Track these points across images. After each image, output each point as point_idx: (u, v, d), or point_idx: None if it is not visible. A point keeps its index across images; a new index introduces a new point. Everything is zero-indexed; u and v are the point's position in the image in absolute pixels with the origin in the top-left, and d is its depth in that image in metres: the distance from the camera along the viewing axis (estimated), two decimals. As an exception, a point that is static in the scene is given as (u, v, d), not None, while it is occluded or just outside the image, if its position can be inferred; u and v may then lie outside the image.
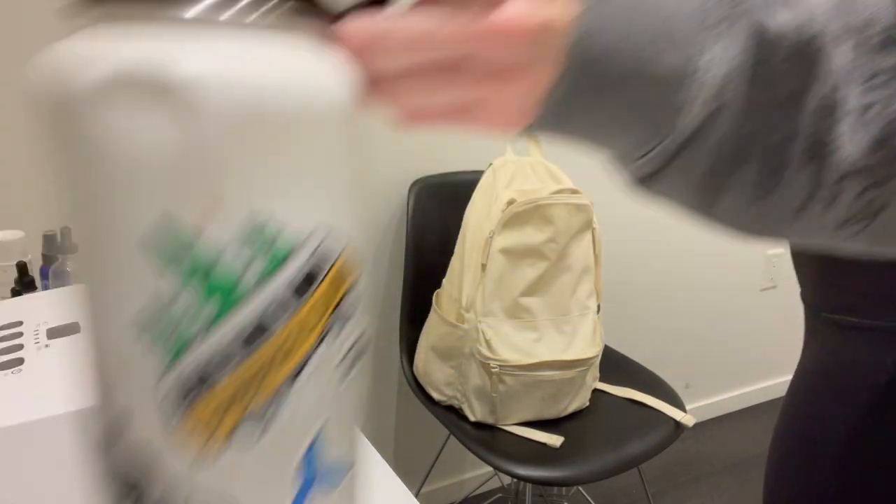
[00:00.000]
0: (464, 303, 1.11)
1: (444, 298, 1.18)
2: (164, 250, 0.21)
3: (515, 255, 1.08)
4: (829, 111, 0.27)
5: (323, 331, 0.24)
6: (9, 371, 0.54)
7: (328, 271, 0.24)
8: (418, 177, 1.36)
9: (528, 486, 1.24)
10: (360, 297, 0.26)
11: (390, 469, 0.71)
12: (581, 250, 1.13)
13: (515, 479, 1.35)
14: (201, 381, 0.22)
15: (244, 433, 0.23)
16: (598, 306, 1.18)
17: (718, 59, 0.26)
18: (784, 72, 0.26)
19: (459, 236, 1.17)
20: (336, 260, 0.24)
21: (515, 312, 1.10)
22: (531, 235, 1.08)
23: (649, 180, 0.31)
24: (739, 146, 0.27)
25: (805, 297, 0.63)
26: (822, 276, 0.59)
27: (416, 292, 1.33)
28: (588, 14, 0.26)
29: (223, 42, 0.21)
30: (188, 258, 0.21)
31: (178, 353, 0.22)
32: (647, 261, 1.75)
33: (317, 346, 0.24)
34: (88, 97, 0.20)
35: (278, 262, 0.22)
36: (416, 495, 1.57)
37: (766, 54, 0.26)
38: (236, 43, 0.21)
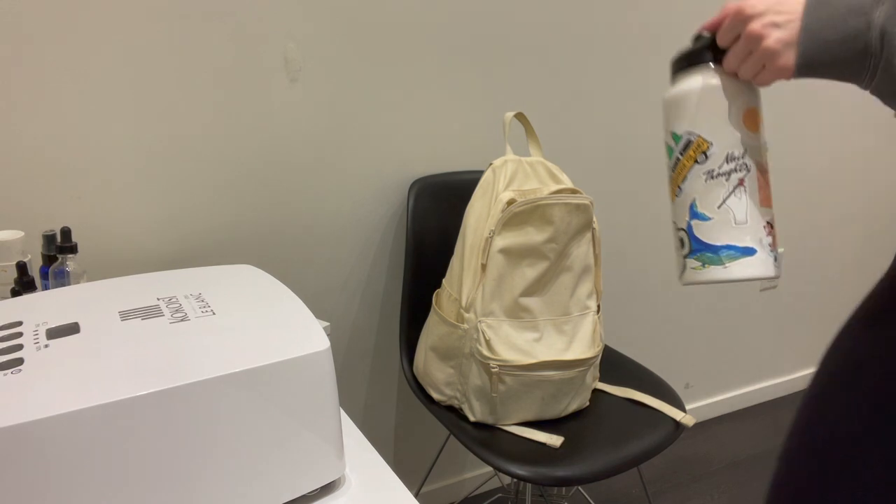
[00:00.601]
0: (464, 303, 1.11)
1: (444, 298, 1.18)
2: (668, 133, 0.71)
3: (515, 255, 1.08)
4: None
5: (691, 165, 0.68)
6: (9, 371, 0.54)
7: (692, 146, 0.68)
8: (418, 177, 1.36)
9: (528, 486, 1.24)
10: (709, 156, 0.67)
11: (390, 469, 0.71)
12: (581, 250, 1.13)
13: (515, 479, 1.35)
14: (671, 170, 0.71)
15: (679, 192, 0.70)
16: (598, 306, 1.18)
17: (880, 13, 0.55)
18: None
19: (459, 236, 1.17)
20: (693, 142, 0.68)
21: (515, 312, 1.10)
22: (531, 235, 1.08)
23: (872, 88, 0.58)
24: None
25: None
26: None
27: (416, 292, 1.33)
28: (809, 20, 0.59)
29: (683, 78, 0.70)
30: (669, 138, 0.71)
31: (671, 162, 0.71)
32: (647, 261, 1.75)
33: (689, 170, 0.68)
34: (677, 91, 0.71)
35: (678, 143, 0.69)
36: (416, 495, 1.57)
37: None
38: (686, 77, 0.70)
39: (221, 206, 1.19)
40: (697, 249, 0.68)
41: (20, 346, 0.58)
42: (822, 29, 0.58)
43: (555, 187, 1.11)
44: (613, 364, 1.34)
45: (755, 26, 0.62)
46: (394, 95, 1.29)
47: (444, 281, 1.20)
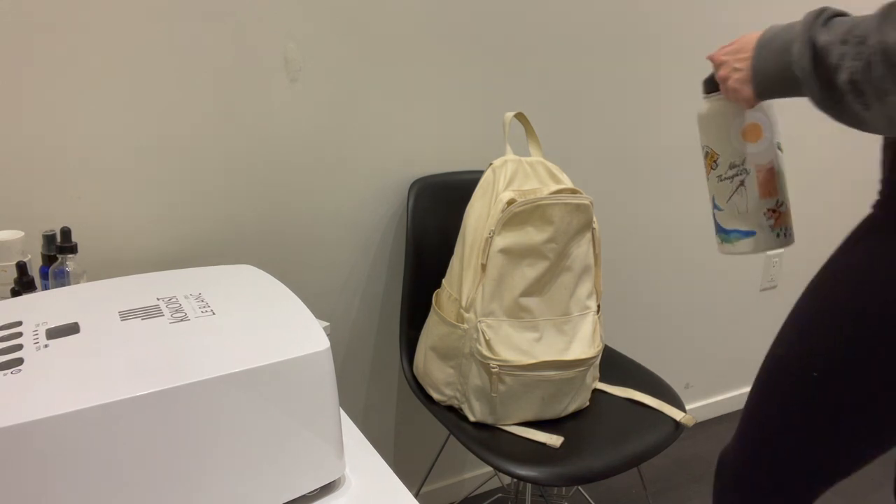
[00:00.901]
0: (463, 303, 1.11)
1: (444, 298, 1.18)
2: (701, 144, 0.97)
3: (515, 255, 1.08)
4: (831, 65, 0.68)
5: (709, 169, 0.92)
6: (9, 371, 0.54)
7: (708, 156, 0.91)
8: (418, 177, 1.36)
9: (528, 486, 1.24)
10: (718, 164, 0.89)
11: (390, 469, 0.71)
12: (581, 250, 1.13)
13: (515, 479, 1.35)
14: (705, 170, 0.95)
15: (708, 187, 0.93)
16: (598, 306, 1.18)
17: (795, 49, 0.71)
18: (822, 53, 0.69)
19: (459, 236, 1.17)
20: (709, 153, 0.91)
21: (515, 312, 1.10)
22: (531, 235, 1.08)
23: (814, 102, 0.73)
24: (814, 80, 0.70)
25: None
26: None
27: (416, 292, 1.33)
28: (756, 60, 0.78)
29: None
30: (705, 148, 0.93)
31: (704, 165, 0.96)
32: (647, 261, 1.75)
33: (709, 173, 0.92)
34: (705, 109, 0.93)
35: (703, 151, 0.93)
36: (416, 495, 1.57)
37: (814, 49, 0.69)
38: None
39: (221, 206, 1.19)
40: (717, 230, 0.93)
41: (20, 346, 0.58)
42: (765, 66, 0.76)
43: (555, 187, 1.11)
44: (613, 364, 1.34)
45: (721, 72, 0.84)
46: (394, 95, 1.29)
47: (443, 281, 1.20)
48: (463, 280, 1.12)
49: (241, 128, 1.17)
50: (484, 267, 1.09)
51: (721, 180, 0.88)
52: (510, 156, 1.15)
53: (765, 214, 0.87)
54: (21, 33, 0.98)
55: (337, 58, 1.22)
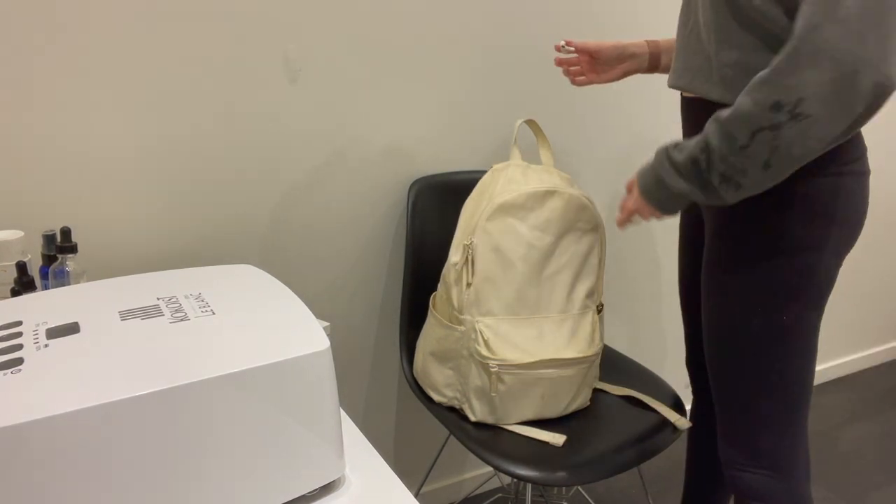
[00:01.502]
0: (456, 304, 1.11)
1: (440, 301, 1.18)
2: None
3: (508, 253, 1.08)
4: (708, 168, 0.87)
5: None
6: (9, 371, 0.54)
7: None
8: (418, 177, 1.36)
9: (528, 486, 1.24)
10: None
11: (390, 469, 0.71)
12: (579, 248, 1.13)
13: (515, 479, 1.35)
14: None
15: None
16: (600, 306, 1.18)
17: (659, 170, 0.92)
18: (678, 168, 0.89)
19: (454, 238, 1.17)
20: None
21: (513, 310, 1.10)
22: (524, 233, 1.08)
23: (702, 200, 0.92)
24: (678, 191, 0.90)
25: None
26: None
27: (416, 292, 1.33)
28: (641, 189, 0.96)
29: None
30: None
31: None
32: (647, 261, 1.75)
33: None
34: None
35: None
36: (416, 495, 1.57)
37: (671, 165, 0.90)
38: None
39: (221, 205, 1.19)
40: None
41: (20, 346, 0.58)
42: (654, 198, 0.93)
43: (549, 186, 1.10)
44: (613, 364, 1.34)
45: (638, 214, 1.00)
46: (394, 95, 1.29)
47: (439, 283, 1.20)
48: (457, 281, 1.12)
49: (242, 128, 1.17)
50: (475, 266, 1.09)
51: None
52: (516, 160, 1.15)
53: None
54: (21, 33, 0.98)
55: (337, 58, 1.22)
